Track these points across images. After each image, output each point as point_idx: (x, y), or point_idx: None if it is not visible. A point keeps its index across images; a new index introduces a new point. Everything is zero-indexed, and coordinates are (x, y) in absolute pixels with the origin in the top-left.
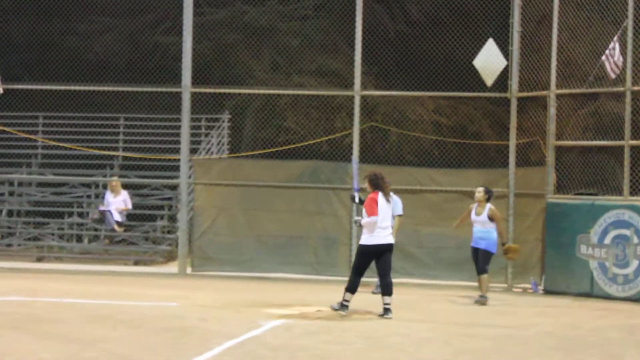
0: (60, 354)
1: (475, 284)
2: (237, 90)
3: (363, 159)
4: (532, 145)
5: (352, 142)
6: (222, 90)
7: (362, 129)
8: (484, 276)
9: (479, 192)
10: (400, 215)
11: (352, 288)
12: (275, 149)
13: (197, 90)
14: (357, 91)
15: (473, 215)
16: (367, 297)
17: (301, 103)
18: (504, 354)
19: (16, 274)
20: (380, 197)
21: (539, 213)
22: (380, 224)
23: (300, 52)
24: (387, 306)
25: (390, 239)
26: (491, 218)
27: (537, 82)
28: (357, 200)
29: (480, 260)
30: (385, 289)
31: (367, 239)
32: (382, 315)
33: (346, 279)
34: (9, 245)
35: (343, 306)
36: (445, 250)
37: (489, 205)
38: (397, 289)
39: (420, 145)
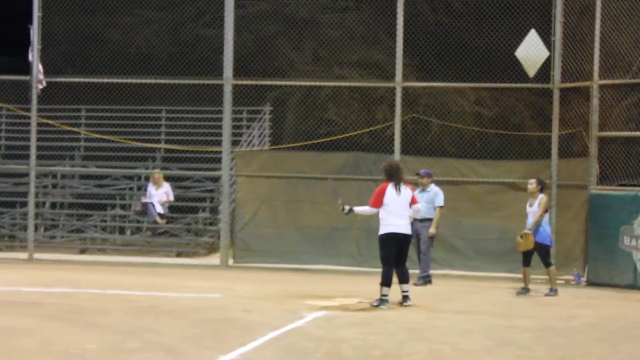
0: (104, 345)
1: (518, 275)
2: (278, 83)
3: (404, 151)
4: (574, 137)
5: (393, 133)
6: (264, 83)
7: (404, 121)
8: (551, 269)
9: (531, 184)
10: (441, 207)
11: (386, 281)
12: (317, 141)
13: (239, 82)
14: (399, 82)
15: (527, 207)
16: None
17: (342, 95)
18: (546, 346)
19: (60, 265)
20: (390, 188)
21: (582, 204)
22: (393, 213)
23: (341, 44)
24: (406, 293)
25: (408, 230)
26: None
27: (579, 73)
28: (346, 211)
29: (542, 256)
30: (402, 277)
31: (382, 229)
32: (402, 304)
33: None
34: (53, 237)
35: (382, 301)
36: (487, 242)
37: (540, 196)
38: (439, 280)
39: (462, 137)
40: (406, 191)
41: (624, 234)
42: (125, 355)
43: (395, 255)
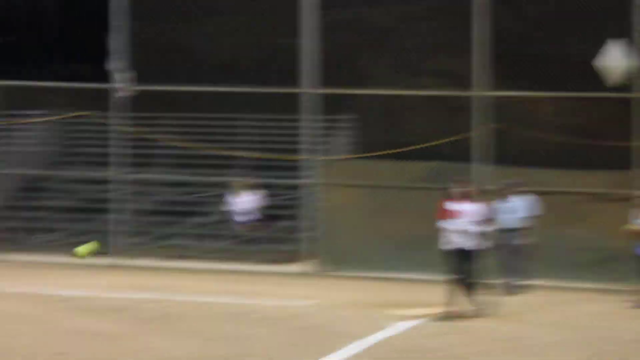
0: (191, 351)
1: (608, 287)
2: (358, 92)
3: (485, 160)
4: None
5: (473, 143)
6: (344, 92)
7: (484, 130)
8: None
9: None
10: (530, 217)
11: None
12: (398, 150)
13: (319, 91)
14: (478, 92)
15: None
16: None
17: (422, 104)
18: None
19: (144, 272)
20: (458, 204)
21: None
22: (451, 229)
23: (420, 53)
24: (480, 305)
25: (466, 244)
26: None
27: None
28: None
29: None
30: (468, 289)
31: (442, 243)
32: (479, 315)
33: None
34: (136, 244)
35: (448, 312)
36: (576, 253)
37: None
38: (528, 291)
39: (544, 147)
40: (472, 206)
41: None
42: None
43: (460, 270)
